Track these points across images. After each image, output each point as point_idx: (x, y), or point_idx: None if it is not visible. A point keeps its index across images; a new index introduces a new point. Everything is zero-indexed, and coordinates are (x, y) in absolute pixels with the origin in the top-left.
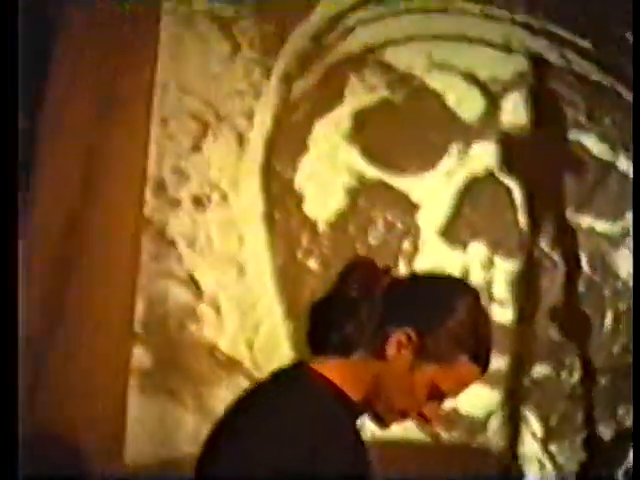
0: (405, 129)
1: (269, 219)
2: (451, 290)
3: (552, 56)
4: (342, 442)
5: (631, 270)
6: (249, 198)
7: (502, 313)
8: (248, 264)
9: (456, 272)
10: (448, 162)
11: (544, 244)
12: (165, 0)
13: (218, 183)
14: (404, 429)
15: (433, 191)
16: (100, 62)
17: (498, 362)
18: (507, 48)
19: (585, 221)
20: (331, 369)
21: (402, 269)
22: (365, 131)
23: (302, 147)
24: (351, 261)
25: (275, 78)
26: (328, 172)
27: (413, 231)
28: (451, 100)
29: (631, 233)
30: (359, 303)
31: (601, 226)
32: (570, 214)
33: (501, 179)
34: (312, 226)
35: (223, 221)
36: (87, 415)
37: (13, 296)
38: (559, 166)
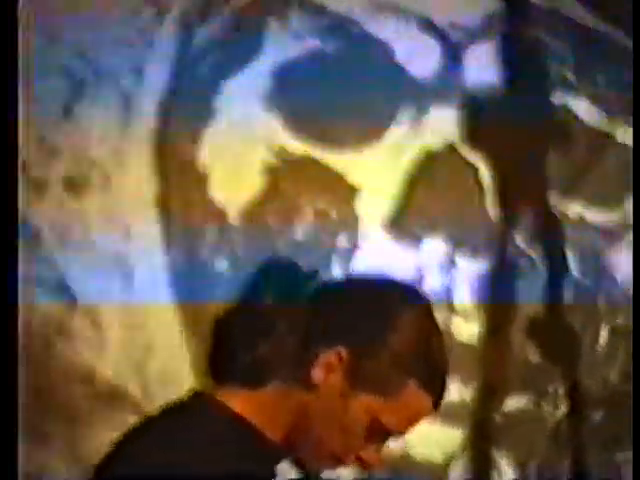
0: (341, 90)
1: (164, 207)
2: (397, 298)
3: None
4: None
5: (631, 272)
6: (137, 179)
7: (466, 328)
8: (137, 266)
9: (406, 275)
10: (396, 133)
11: (520, 239)
12: None
13: (97, 160)
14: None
15: (377, 171)
16: None
17: (460, 391)
18: None
19: (573, 209)
20: (241, 401)
21: (335, 272)
22: (289, 93)
23: (207, 113)
24: (268, 262)
25: (170, 22)
26: (241, 146)
27: (351, 222)
28: (400, 53)
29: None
30: (277, 316)
31: (594, 216)
32: (554, 200)
33: (464, 155)
34: (220, 216)
35: (104, 210)
36: None
37: None
38: (540, 138)
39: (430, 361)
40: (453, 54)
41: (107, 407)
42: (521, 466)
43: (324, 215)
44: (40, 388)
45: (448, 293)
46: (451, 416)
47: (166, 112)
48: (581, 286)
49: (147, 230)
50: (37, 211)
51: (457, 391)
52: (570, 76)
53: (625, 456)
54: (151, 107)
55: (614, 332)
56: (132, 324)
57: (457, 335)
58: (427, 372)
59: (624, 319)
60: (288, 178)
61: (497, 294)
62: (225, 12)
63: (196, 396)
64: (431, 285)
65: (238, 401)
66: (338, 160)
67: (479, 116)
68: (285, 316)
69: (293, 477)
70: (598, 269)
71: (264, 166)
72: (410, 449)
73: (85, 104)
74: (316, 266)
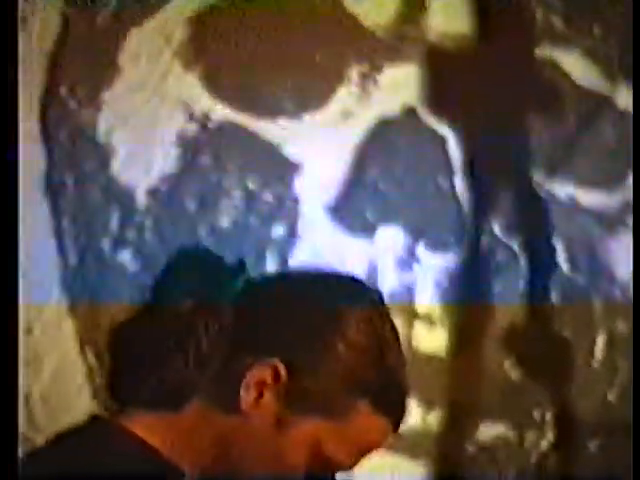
0: (275, 43)
1: (54, 186)
2: (345, 299)
3: None
4: None
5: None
6: (21, 151)
7: (430, 336)
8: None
9: (357, 271)
10: (344, 97)
11: (497, 227)
12: None
13: None
14: None
15: (321, 143)
16: None
17: (423, 415)
18: None
19: (563, 190)
20: (150, 427)
21: (269, 266)
22: (210, 46)
23: (109, 70)
24: (184, 253)
25: None
26: (151, 111)
27: (289, 206)
28: None
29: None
30: (195, 322)
31: (589, 198)
32: (539, 179)
33: (428, 123)
34: (126, 198)
35: None
36: None
37: None
38: (521, 102)
39: (386, 377)
40: None
41: None
42: None
43: (255, 197)
44: None
45: (408, 293)
46: (412, 446)
47: (55, 67)
48: (572, 284)
49: (34, 215)
50: None
51: (419, 415)
52: (559, 25)
53: None
54: (37, 60)
55: (613, 341)
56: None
57: (419, 345)
58: (383, 390)
59: (625, 325)
60: (210, 150)
61: (468, 294)
62: None
63: (94, 422)
64: (387, 283)
65: (146, 428)
66: (272, 129)
67: (446, 75)
68: (205, 321)
69: None
70: (593, 263)
71: (180, 135)
72: None
73: None
74: (245, 259)
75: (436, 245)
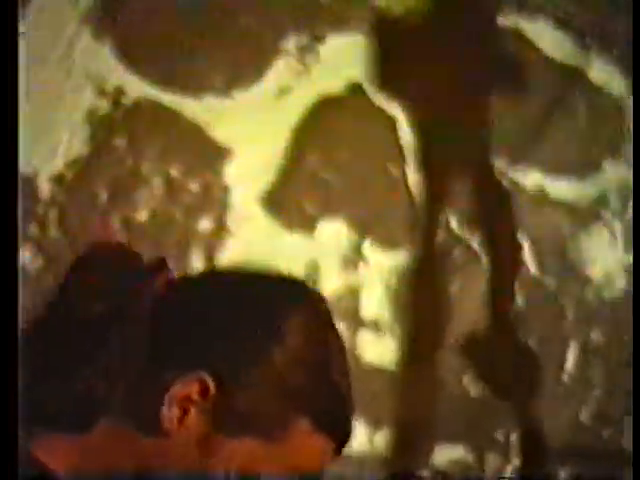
0: (201, 10)
1: None
2: (280, 302)
3: None
4: None
5: (619, 265)
6: None
7: (377, 346)
8: None
9: (295, 271)
10: (280, 72)
11: (455, 221)
12: None
13: None
14: None
15: (253, 125)
16: None
17: (370, 436)
18: None
19: (529, 180)
20: (53, 451)
21: (195, 264)
22: (127, 13)
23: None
24: (94, 250)
25: None
26: (57, 86)
27: (218, 196)
28: None
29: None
30: (107, 329)
31: (559, 188)
32: (502, 166)
33: (375, 101)
34: (26, 186)
35: None
36: None
37: None
38: (482, 77)
39: (329, 392)
40: None
41: None
42: None
43: (179, 186)
44: None
45: (353, 296)
46: (357, 470)
47: None
48: (540, 287)
49: None
50: None
51: (365, 435)
52: None
53: None
54: None
55: (586, 352)
56: None
57: (365, 356)
58: (325, 407)
59: (600, 333)
60: (126, 131)
61: (422, 298)
62: None
63: None
64: (329, 285)
65: (49, 450)
66: (199, 108)
67: (397, 46)
68: (119, 328)
69: None
70: (564, 263)
71: (91, 114)
72: None
73: None
74: (166, 256)
75: (385, 242)
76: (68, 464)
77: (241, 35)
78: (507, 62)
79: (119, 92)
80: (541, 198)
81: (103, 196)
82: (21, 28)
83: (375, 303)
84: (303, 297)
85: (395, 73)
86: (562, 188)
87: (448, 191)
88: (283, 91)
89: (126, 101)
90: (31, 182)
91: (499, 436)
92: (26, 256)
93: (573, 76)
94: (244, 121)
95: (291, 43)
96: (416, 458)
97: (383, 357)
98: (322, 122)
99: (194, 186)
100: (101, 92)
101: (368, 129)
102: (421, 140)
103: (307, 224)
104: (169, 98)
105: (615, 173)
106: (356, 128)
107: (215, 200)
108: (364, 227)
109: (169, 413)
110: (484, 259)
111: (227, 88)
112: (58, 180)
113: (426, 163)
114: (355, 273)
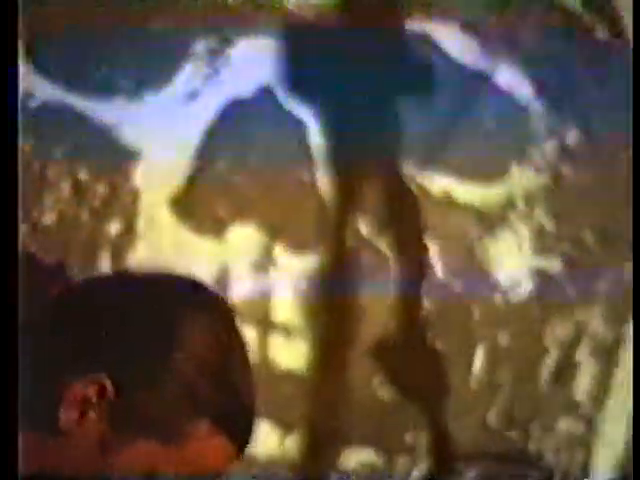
0: (109, 11)
1: None
2: (186, 305)
3: None
4: None
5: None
6: None
7: (288, 349)
8: None
9: (205, 275)
10: (190, 75)
11: (364, 226)
12: None
13: None
14: None
15: (163, 127)
16: None
17: (280, 440)
18: None
19: (437, 184)
20: None
21: (103, 267)
22: (29, 9)
23: None
24: None
25: None
26: None
27: (126, 199)
28: None
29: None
30: (2, 337)
31: (466, 192)
32: (411, 171)
33: (285, 105)
34: None
35: None
36: None
37: None
38: (390, 81)
39: (230, 394)
40: None
41: None
42: None
43: (86, 188)
44: None
45: (264, 300)
46: (268, 475)
47: None
48: (448, 290)
49: None
50: None
51: (276, 439)
52: None
53: None
54: None
55: (494, 355)
56: None
57: (276, 359)
58: (226, 409)
59: (508, 336)
60: (28, 133)
61: (332, 302)
62: None
63: None
64: (240, 289)
65: None
66: (106, 109)
67: (307, 50)
68: (16, 333)
69: None
70: (472, 266)
71: None
72: None
73: None
74: (73, 260)
75: (296, 246)
76: None
77: (150, 38)
78: (416, 66)
79: (25, 94)
80: (449, 202)
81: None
82: None
83: (286, 307)
84: (204, 300)
85: (305, 77)
86: (469, 192)
87: (358, 195)
88: (193, 94)
89: (32, 103)
90: None
91: (408, 439)
92: None
93: (480, 80)
94: (154, 124)
95: (200, 46)
96: (326, 461)
97: (294, 361)
98: (232, 126)
99: (102, 189)
100: None
101: (278, 133)
102: (331, 144)
103: (217, 228)
104: (76, 99)
105: (521, 177)
106: (266, 132)
107: (124, 203)
108: (275, 231)
109: (67, 414)
110: (393, 263)
111: (136, 90)
112: None
113: (336, 167)
114: (266, 277)
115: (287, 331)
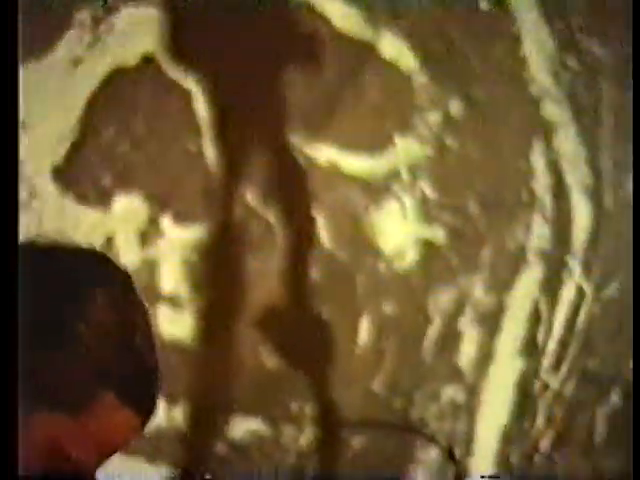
0: None
1: None
2: (84, 278)
3: None
4: None
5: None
6: None
7: (175, 321)
8: None
9: (91, 245)
10: (73, 42)
11: (251, 196)
12: None
13: None
14: None
15: (46, 95)
16: None
17: (168, 412)
18: None
19: (323, 155)
20: None
21: None
22: None
23: None
24: None
25: None
26: None
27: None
28: None
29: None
30: None
31: (352, 163)
32: (296, 140)
33: (170, 74)
34: None
35: None
36: None
37: None
38: (274, 50)
39: (134, 365)
40: None
41: None
42: None
43: None
44: None
45: (151, 271)
46: (157, 447)
47: None
48: (335, 261)
49: None
50: None
51: (163, 411)
52: None
53: None
54: None
55: (379, 324)
56: None
57: (163, 331)
58: (130, 381)
59: (392, 306)
60: None
61: (218, 272)
62: None
63: None
64: (126, 260)
65: None
66: None
67: (191, 18)
68: None
69: None
70: (357, 238)
71: None
72: None
73: None
74: None
75: (182, 216)
76: None
77: (32, 5)
78: (300, 36)
79: None
80: (335, 173)
81: None
82: None
83: (173, 278)
84: (108, 272)
85: (189, 45)
86: (355, 163)
87: (245, 166)
88: (76, 62)
89: None
90: None
91: (294, 407)
92: None
93: (364, 51)
94: (36, 93)
95: (85, 14)
96: (212, 431)
97: (180, 332)
98: (116, 94)
99: None
100: None
101: (163, 102)
102: (217, 114)
103: (103, 198)
104: None
105: (405, 148)
106: (151, 101)
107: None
108: (161, 201)
109: None
110: (280, 233)
111: (22, 59)
112: None
113: (222, 137)
114: (152, 248)
115: (174, 302)
